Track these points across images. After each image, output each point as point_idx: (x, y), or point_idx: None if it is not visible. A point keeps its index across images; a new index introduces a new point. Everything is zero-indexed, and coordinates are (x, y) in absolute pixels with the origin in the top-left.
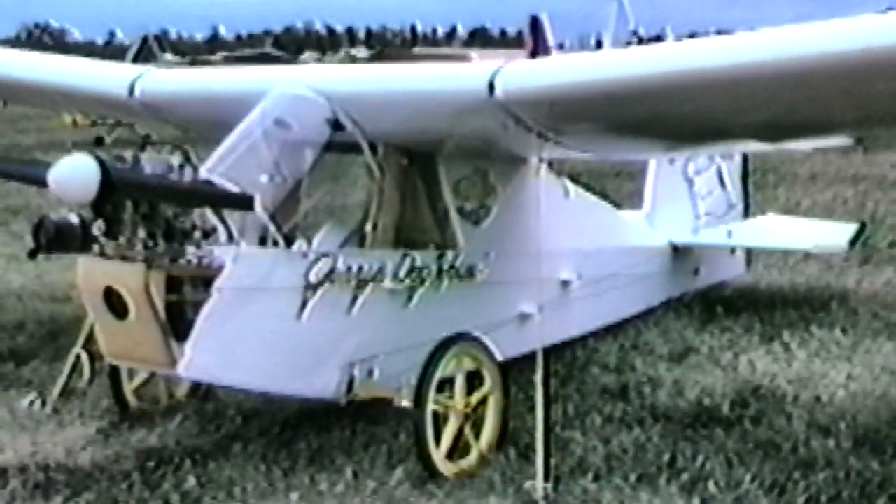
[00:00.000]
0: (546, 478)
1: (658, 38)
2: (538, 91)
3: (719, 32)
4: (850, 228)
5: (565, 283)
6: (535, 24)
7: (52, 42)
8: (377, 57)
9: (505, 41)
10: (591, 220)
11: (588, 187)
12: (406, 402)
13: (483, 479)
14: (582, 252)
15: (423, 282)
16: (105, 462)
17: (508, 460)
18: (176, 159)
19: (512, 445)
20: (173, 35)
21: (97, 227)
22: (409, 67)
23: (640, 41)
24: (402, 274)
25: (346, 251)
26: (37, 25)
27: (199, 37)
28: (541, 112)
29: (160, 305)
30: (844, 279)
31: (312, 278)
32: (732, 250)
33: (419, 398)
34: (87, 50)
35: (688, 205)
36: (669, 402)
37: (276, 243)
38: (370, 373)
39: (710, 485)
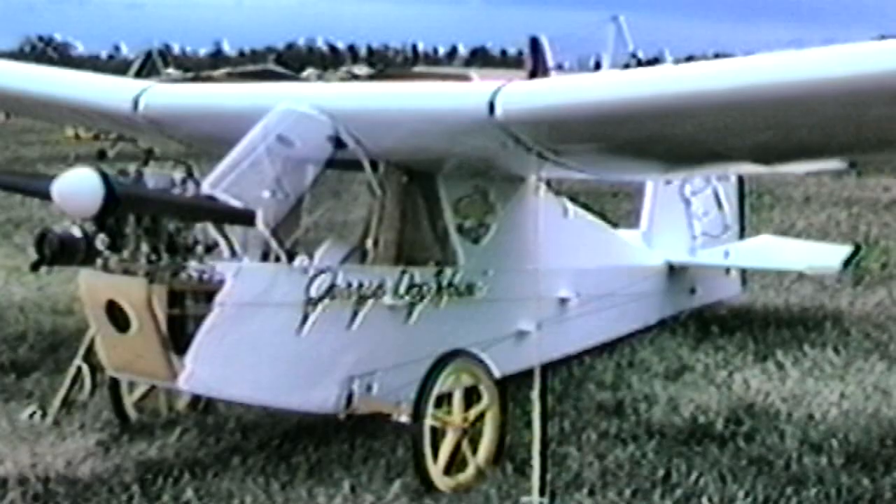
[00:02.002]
0: (542, 493)
1: (656, 61)
2: (537, 111)
3: (717, 56)
4: (844, 250)
5: (563, 301)
6: (535, 45)
7: (56, 55)
8: (378, 75)
9: (505, 62)
10: (588, 239)
11: (586, 207)
12: (404, 417)
13: (480, 494)
14: (580, 270)
15: (422, 298)
16: (105, 474)
17: (505, 475)
18: (178, 174)
19: (509, 460)
20: (177, 50)
21: (100, 241)
22: (410, 86)
23: (639, 63)
24: (401, 290)
25: (346, 267)
26: (41, 39)
27: (203, 52)
28: (540, 132)
29: (162, 319)
30: (837, 300)
31: (313, 293)
32: (728, 270)
33: (417, 413)
34: (91, 64)
35: (684, 225)
36: (664, 419)
37: (277, 258)
38: (369, 387)
39: (704, 500)
